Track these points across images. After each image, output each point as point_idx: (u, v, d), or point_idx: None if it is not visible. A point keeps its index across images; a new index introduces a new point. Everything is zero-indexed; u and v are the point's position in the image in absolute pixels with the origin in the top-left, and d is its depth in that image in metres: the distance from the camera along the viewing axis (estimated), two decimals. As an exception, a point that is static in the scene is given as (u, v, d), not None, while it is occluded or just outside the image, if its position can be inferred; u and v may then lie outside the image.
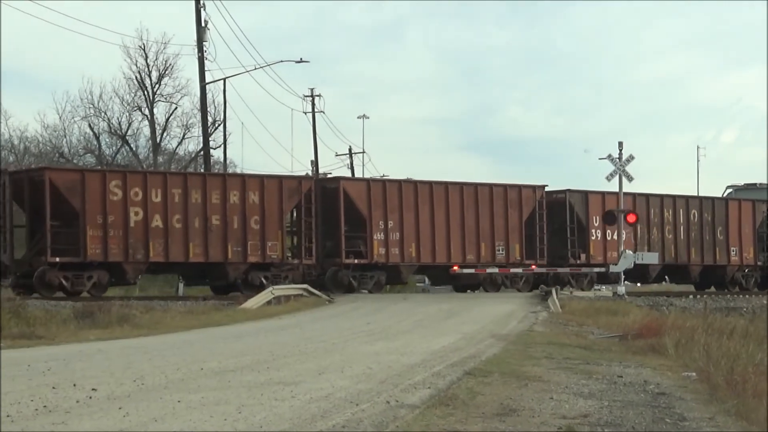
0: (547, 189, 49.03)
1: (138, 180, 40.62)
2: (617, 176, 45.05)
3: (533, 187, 48.46)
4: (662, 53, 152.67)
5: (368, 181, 47.12)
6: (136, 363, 16.92)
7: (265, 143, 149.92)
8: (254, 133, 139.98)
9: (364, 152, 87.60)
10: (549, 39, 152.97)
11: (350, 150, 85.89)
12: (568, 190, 49.57)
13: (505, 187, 47.72)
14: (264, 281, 41.40)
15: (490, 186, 47.48)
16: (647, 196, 50.96)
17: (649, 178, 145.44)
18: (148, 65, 68.06)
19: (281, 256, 42.48)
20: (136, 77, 68.04)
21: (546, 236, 48.01)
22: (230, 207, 41.61)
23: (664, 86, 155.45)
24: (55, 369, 15.87)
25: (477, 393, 13.58)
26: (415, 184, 46.28)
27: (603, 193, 49.16)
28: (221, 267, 41.60)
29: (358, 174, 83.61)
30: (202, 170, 61.62)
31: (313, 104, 76.51)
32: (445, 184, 46.37)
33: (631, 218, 45.78)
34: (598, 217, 48.88)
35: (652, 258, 47.64)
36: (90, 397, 12.64)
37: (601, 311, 32.98)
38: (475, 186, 47.11)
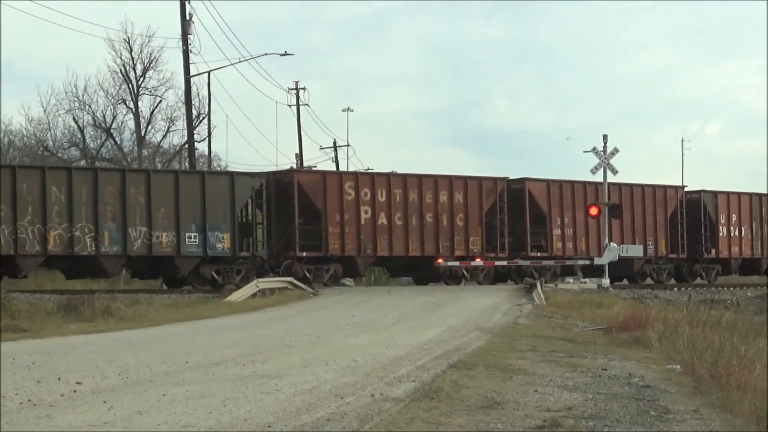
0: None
1: (367, 181, 44.89)
2: (601, 169, 45.25)
3: (675, 188, 53.12)
4: (646, 47, 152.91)
5: (548, 182, 49.37)
6: (120, 356, 16.89)
7: (250, 136, 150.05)
8: (239, 127, 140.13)
9: (348, 145, 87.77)
10: (534, 33, 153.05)
11: (335, 143, 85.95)
12: (703, 190, 53.80)
13: (654, 188, 52.08)
14: (465, 273, 45.88)
15: (642, 186, 51.72)
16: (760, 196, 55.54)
17: (634, 171, 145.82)
18: (132, 58, 68.04)
19: (481, 250, 46.23)
20: (120, 70, 68.02)
21: (686, 232, 52.24)
22: (440, 206, 45.80)
23: (649, 79, 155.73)
24: (40, 362, 15.84)
25: (461, 386, 13.60)
26: (583, 185, 49.68)
27: (728, 194, 54.30)
28: (432, 260, 45.34)
29: (342, 167, 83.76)
30: (186, 164, 61.58)
31: (298, 97, 76.56)
32: (607, 185, 48.24)
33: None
34: (724, 215, 53.61)
35: (636, 250, 47.98)
36: (75, 391, 12.62)
37: (585, 304, 33.05)
38: (631, 186, 51.18)
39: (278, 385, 13.14)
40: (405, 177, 45.67)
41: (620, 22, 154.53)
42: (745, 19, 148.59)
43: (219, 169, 64.26)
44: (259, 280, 38.60)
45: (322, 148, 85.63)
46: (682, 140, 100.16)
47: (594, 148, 45.07)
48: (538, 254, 47.76)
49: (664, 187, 52.45)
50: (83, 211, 38.40)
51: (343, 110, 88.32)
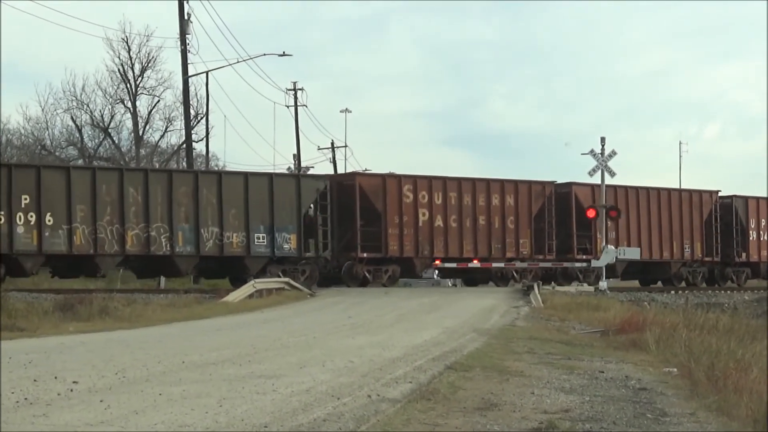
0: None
1: (425, 184, 45.71)
2: (599, 171, 45.28)
3: (710, 192, 54.26)
4: (645, 47, 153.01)
5: (592, 187, 49.92)
6: (117, 356, 16.88)
7: (248, 136, 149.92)
8: (237, 127, 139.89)
9: (346, 146, 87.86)
10: (533, 33, 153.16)
11: (332, 144, 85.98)
12: (734, 195, 55.10)
13: (690, 193, 53.91)
14: (515, 274, 46.94)
15: (679, 191, 53.86)
16: None
17: (632, 173, 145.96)
18: (131, 58, 68.03)
19: (530, 252, 47.48)
20: (118, 70, 68.02)
21: (720, 236, 53.57)
22: (492, 208, 46.96)
23: (647, 80, 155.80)
24: (36, 361, 15.82)
25: (458, 387, 13.59)
26: (625, 189, 50.95)
27: (757, 199, 55.66)
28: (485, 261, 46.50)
29: (340, 168, 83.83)
30: (184, 164, 61.57)
31: (296, 98, 76.59)
32: (647, 190, 51.56)
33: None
34: (754, 220, 55.09)
35: (633, 253, 48.11)
36: (71, 390, 12.61)
37: (582, 306, 33.02)
38: (669, 191, 52.84)
39: (275, 385, 13.13)
40: (460, 180, 46.83)
41: (619, 22, 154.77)
42: (744, 20, 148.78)
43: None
44: (256, 280, 38.62)
45: (320, 149, 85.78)
46: (680, 142, 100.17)
47: (592, 151, 45.11)
48: (584, 257, 49.11)
49: (700, 192, 53.96)
50: (159, 211, 39.74)
51: (341, 111, 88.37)
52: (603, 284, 44.08)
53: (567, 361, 17.88)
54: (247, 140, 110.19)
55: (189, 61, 53.29)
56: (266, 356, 16.90)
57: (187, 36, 52.78)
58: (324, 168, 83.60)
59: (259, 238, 41.64)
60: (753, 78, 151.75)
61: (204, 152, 65.75)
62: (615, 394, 13.87)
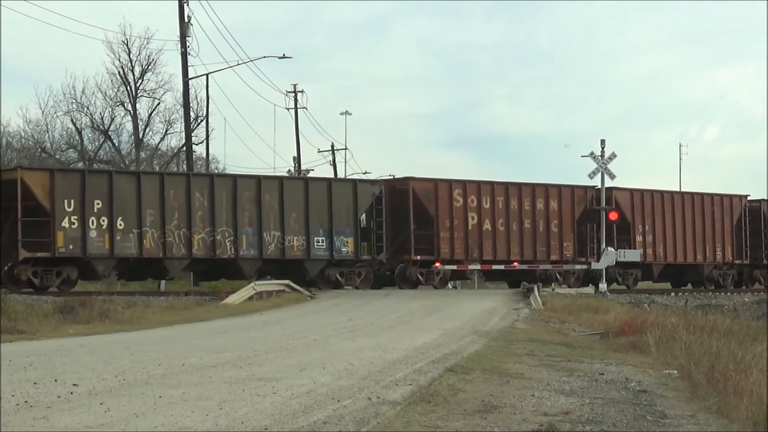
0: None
1: (473, 188, 46.56)
2: (599, 174, 45.29)
3: (739, 197, 55.31)
4: (645, 50, 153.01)
5: (631, 191, 51.34)
6: (117, 358, 16.88)
7: (248, 139, 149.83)
8: (237, 129, 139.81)
9: (346, 149, 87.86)
10: (533, 35, 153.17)
11: (332, 146, 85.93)
12: (763, 199, 56.16)
13: (722, 197, 54.41)
14: (558, 276, 47.94)
15: (711, 196, 54.10)
16: None
17: (632, 175, 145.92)
18: (131, 60, 67.92)
19: (573, 255, 48.40)
20: (118, 72, 67.91)
21: (748, 239, 54.49)
22: (537, 212, 47.84)
23: (647, 82, 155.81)
24: (37, 364, 15.83)
25: (458, 390, 13.59)
26: (661, 194, 52.28)
27: None
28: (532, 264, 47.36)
29: (339, 170, 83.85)
30: (184, 167, 61.57)
31: (296, 100, 76.45)
32: (681, 194, 53.60)
33: (613, 216, 46.65)
34: None
35: (634, 255, 48.12)
36: (71, 393, 12.61)
37: (582, 308, 33.02)
38: (702, 195, 53.76)
39: (275, 387, 13.13)
40: (507, 185, 47.58)
41: (619, 24, 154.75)
42: (745, 22, 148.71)
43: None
44: (257, 282, 38.69)
45: (320, 152, 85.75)
46: (681, 144, 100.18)
47: (592, 153, 45.13)
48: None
49: (730, 197, 54.86)
50: (224, 216, 40.59)
51: (341, 114, 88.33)
52: (603, 286, 44.08)
53: (567, 363, 17.87)
54: (247, 143, 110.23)
55: (189, 64, 53.30)
56: (266, 359, 16.90)
57: (187, 38, 52.77)
58: (324, 171, 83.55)
59: (318, 241, 42.73)
60: (753, 80, 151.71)
61: (204, 155, 65.72)
62: (615, 396, 13.87)
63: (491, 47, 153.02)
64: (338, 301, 36.55)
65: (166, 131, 70.39)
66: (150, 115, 69.46)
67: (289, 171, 76.14)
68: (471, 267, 46.25)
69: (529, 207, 47.59)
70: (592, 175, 45.56)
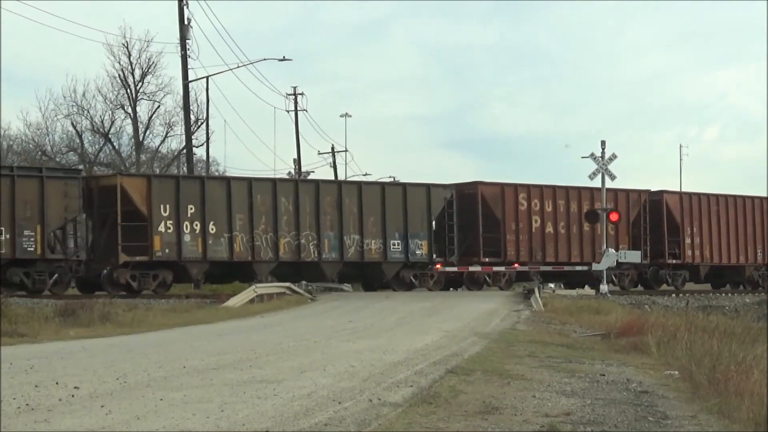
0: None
1: (537, 192, 47.96)
2: (599, 175, 45.28)
3: None
4: (644, 51, 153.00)
5: (680, 195, 52.95)
6: (118, 361, 16.88)
7: (248, 141, 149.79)
8: (237, 132, 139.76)
9: (346, 150, 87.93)
10: (532, 36, 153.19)
11: (333, 148, 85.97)
12: None
13: (762, 200, 55.68)
14: (614, 277, 48.50)
15: (753, 198, 55.40)
16: None
17: (632, 176, 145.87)
18: (131, 63, 67.94)
19: None
20: (119, 75, 67.92)
21: None
22: None
23: (647, 83, 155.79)
24: (38, 367, 15.83)
25: (459, 391, 13.59)
26: (707, 197, 53.32)
27: None
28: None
29: (340, 172, 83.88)
30: (184, 169, 61.56)
31: (296, 103, 76.48)
32: (725, 197, 54.26)
33: (614, 217, 46.80)
34: None
35: (634, 256, 48.08)
36: (72, 396, 12.61)
37: (583, 310, 33.01)
38: (744, 198, 54.96)
39: (276, 390, 13.13)
40: (567, 189, 48.92)
41: (619, 25, 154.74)
42: (744, 23, 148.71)
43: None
44: (258, 285, 38.73)
45: (320, 154, 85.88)
46: (681, 145, 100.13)
47: (592, 154, 45.11)
48: (674, 261, 51.71)
49: (762, 199, 55.91)
50: (307, 220, 42.02)
51: (341, 116, 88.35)
52: (604, 287, 44.02)
53: (568, 364, 17.87)
54: (247, 145, 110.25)
55: (189, 66, 53.30)
56: (267, 361, 16.90)
57: (187, 41, 52.76)
58: (324, 173, 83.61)
59: (394, 244, 44.14)
60: (753, 81, 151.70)
61: (204, 157, 65.70)
62: (616, 397, 13.87)
63: (491, 48, 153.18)
64: (339, 303, 36.53)
65: (167, 134, 70.47)
66: (150, 117, 69.52)
67: (289, 173, 76.21)
68: (471, 268, 46.27)
69: (586, 210, 48.52)
70: (592, 176, 45.53)
